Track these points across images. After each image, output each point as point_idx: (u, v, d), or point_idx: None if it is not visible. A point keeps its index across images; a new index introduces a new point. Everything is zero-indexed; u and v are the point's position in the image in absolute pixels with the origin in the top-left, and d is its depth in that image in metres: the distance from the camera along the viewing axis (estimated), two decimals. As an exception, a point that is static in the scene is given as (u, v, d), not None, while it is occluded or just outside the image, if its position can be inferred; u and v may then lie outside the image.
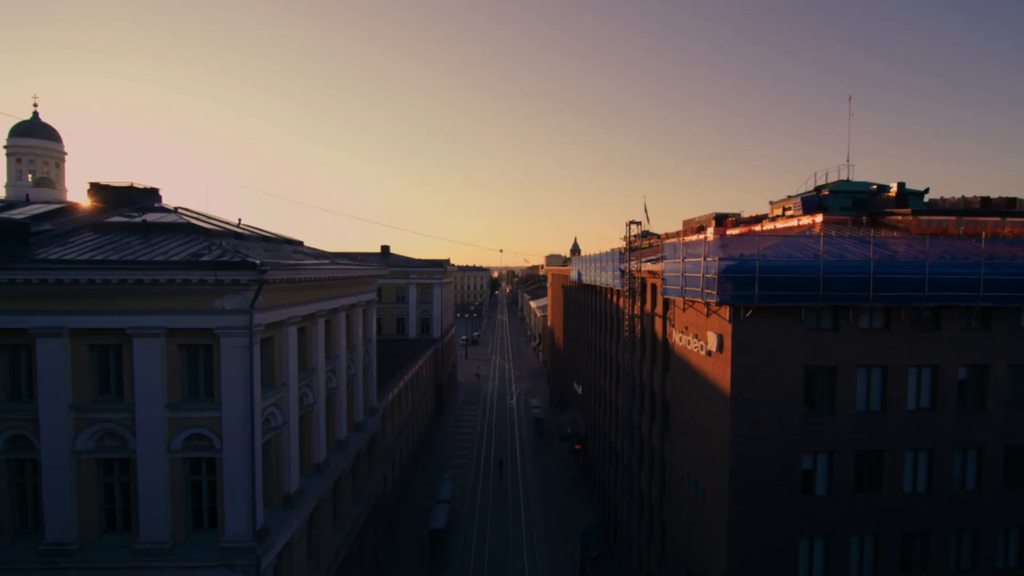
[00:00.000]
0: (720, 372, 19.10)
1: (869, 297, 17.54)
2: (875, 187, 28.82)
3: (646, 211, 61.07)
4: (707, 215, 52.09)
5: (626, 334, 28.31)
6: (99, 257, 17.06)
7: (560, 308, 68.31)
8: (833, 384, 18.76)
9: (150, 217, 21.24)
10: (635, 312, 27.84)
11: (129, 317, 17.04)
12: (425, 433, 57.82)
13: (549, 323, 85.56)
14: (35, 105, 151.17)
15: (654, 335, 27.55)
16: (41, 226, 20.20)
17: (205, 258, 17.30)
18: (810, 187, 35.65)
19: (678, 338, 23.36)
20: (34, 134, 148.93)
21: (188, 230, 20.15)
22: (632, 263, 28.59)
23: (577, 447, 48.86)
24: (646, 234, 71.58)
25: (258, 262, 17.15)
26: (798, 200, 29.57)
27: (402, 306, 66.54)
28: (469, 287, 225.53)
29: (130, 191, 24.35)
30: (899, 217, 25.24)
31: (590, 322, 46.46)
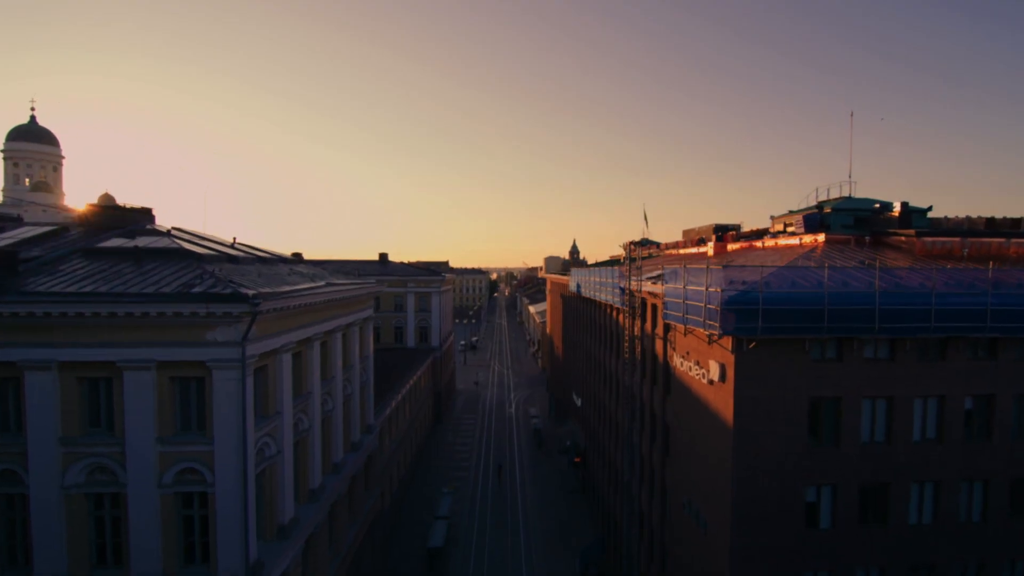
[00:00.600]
0: (722, 402, 18.77)
1: (875, 329, 17.22)
2: (878, 205, 28.53)
3: (645, 218, 60.22)
4: (707, 226, 51.83)
5: (626, 356, 27.98)
6: (88, 288, 16.70)
7: (559, 317, 67.98)
8: (837, 415, 18.44)
9: (142, 241, 20.89)
10: (635, 333, 27.48)
11: (119, 350, 16.68)
12: (423, 444, 57.45)
13: (548, 330, 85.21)
14: (32, 109, 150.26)
15: (654, 356, 27.22)
16: (30, 252, 19.89)
17: (197, 289, 16.94)
18: (812, 202, 35.38)
19: (679, 363, 23.03)
20: (31, 138, 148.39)
21: (180, 256, 19.78)
22: (632, 282, 28.22)
23: (576, 460, 48.50)
24: (646, 242, 71.36)
25: (251, 293, 16.81)
26: (800, 217, 29.26)
27: (400, 315, 66.18)
28: (468, 290, 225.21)
29: (123, 212, 24.02)
30: (903, 238, 24.93)
31: (589, 334, 46.13)
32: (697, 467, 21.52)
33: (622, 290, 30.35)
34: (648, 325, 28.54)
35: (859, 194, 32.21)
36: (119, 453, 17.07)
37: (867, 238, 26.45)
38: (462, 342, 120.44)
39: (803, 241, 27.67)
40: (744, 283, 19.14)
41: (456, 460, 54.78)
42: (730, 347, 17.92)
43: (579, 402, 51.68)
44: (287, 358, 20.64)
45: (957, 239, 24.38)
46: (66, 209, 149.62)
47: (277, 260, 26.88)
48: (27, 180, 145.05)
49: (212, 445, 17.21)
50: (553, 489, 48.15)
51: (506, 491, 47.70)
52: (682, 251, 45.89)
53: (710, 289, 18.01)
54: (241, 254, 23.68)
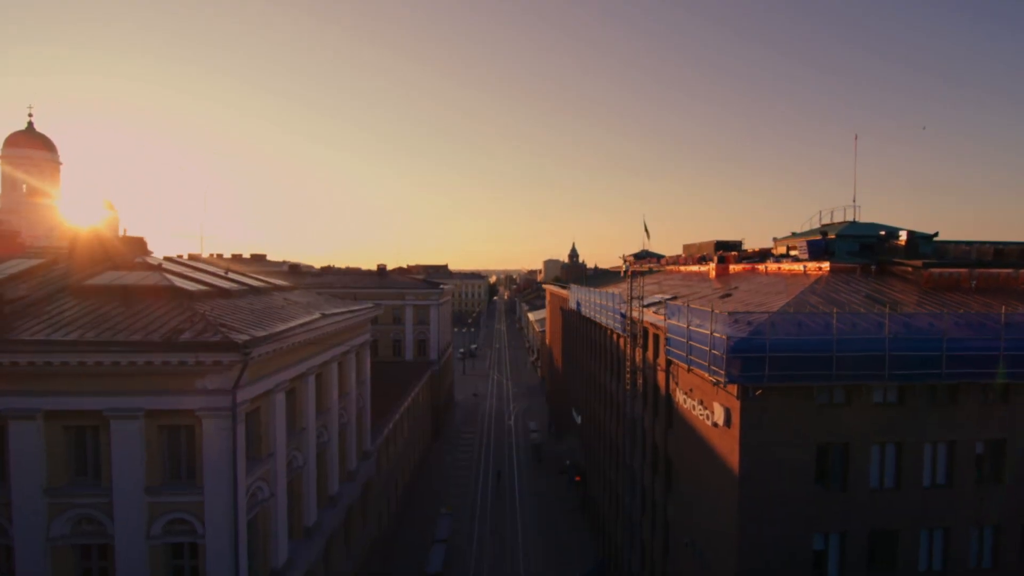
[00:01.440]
0: (727, 447, 18.28)
1: (884, 376, 16.73)
2: (883, 232, 28.09)
3: (646, 229, 59.93)
4: (708, 242, 51.36)
5: (627, 387, 27.48)
6: (74, 335, 16.20)
7: (559, 330, 67.45)
8: (845, 461, 17.95)
9: (133, 278, 20.37)
10: (637, 364, 26.97)
11: (106, 399, 16.19)
12: (422, 460, 56.86)
13: (547, 341, 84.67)
14: (30, 115, 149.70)
15: (656, 386, 26.71)
16: (17, 290, 19.36)
17: (186, 335, 16.44)
18: (815, 224, 34.94)
19: (682, 399, 22.53)
20: (29, 144, 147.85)
21: (171, 294, 19.28)
22: (634, 310, 27.72)
23: (576, 479, 47.94)
24: (646, 254, 70.97)
25: (241, 340, 16.31)
26: (804, 243, 28.79)
27: (398, 327, 65.62)
28: (467, 296, 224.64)
29: (113, 243, 23.50)
30: (909, 268, 24.45)
31: (589, 352, 45.61)
32: (701, 508, 21.01)
33: (623, 316, 29.86)
34: (650, 354, 28.04)
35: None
36: (106, 503, 16.57)
37: (873, 267, 25.99)
38: (461, 350, 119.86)
39: (808, 269, 27.19)
40: (749, 323, 18.68)
41: (455, 477, 54.18)
42: (735, 392, 17.43)
43: (579, 419, 51.13)
44: (281, 397, 20.14)
45: (964, 270, 23.94)
46: (63, 219, 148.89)
47: (271, 289, 26.39)
48: (24, 186, 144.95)
49: (202, 495, 16.72)
50: (553, 508, 47.58)
51: (506, 510, 47.14)
52: (683, 268, 45.40)
53: (715, 334, 17.50)
54: (234, 286, 23.18)
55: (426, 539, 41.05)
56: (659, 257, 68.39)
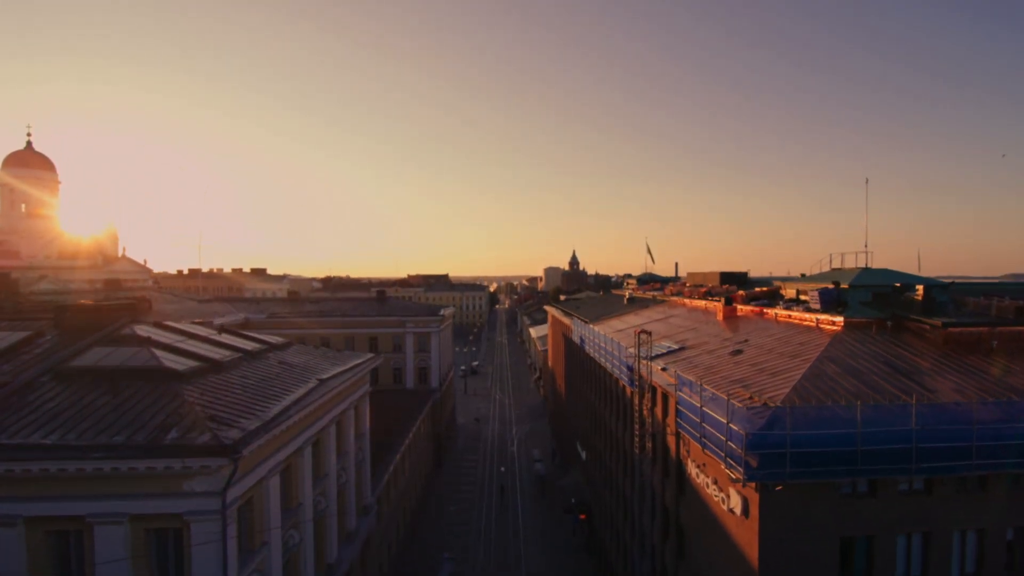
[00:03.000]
0: (745, 538, 17.35)
1: (911, 469, 15.83)
2: (899, 285, 27.21)
3: (649, 252, 58.89)
4: (712, 273, 50.56)
5: (636, 450, 26.53)
6: (54, 437, 15.31)
7: (561, 355, 66.50)
8: (870, 554, 17.03)
9: (119, 356, 19.49)
10: (646, 427, 26.01)
11: (89, 503, 15.32)
12: (423, 495, 55.80)
13: (550, 363, 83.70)
14: (28, 135, 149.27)
15: (666, 445, 25.80)
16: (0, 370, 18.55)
17: (172, 434, 15.57)
18: (825, 267, 34.11)
19: (694, 472, 21.60)
20: (28, 163, 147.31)
21: (159, 377, 18.42)
22: (642, 368, 26.78)
23: (582, 516, 46.93)
24: (650, 277, 70.11)
25: (231, 441, 15.43)
26: (815, 293, 27.95)
27: (399, 355, 64.70)
28: (468, 308, 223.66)
29: (101, 311, 22.67)
30: (927, 326, 23.56)
31: (593, 389, 44.66)
32: (716, 590, 20.07)
33: (629, 368, 28.93)
34: (658, 410, 27.13)
35: (876, 268, 30.94)
36: (90, 612, 15.65)
37: (888, 323, 25.11)
38: (462, 367, 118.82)
39: (820, 322, 26.32)
40: (766, 405, 17.81)
41: (457, 512, 53.16)
42: (754, 485, 16.52)
43: (583, 455, 50.17)
44: (275, 481, 19.25)
45: (985, 328, 23.07)
46: (63, 236, 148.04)
47: (266, 351, 25.52)
48: (23, 206, 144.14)
49: (191, 602, 15.79)
50: (558, 548, 46.53)
51: (510, 549, 46.11)
52: (688, 302, 44.50)
53: (732, 425, 16.59)
54: (226, 355, 22.32)
55: (429, 586, 40.07)
56: (663, 281, 67.64)
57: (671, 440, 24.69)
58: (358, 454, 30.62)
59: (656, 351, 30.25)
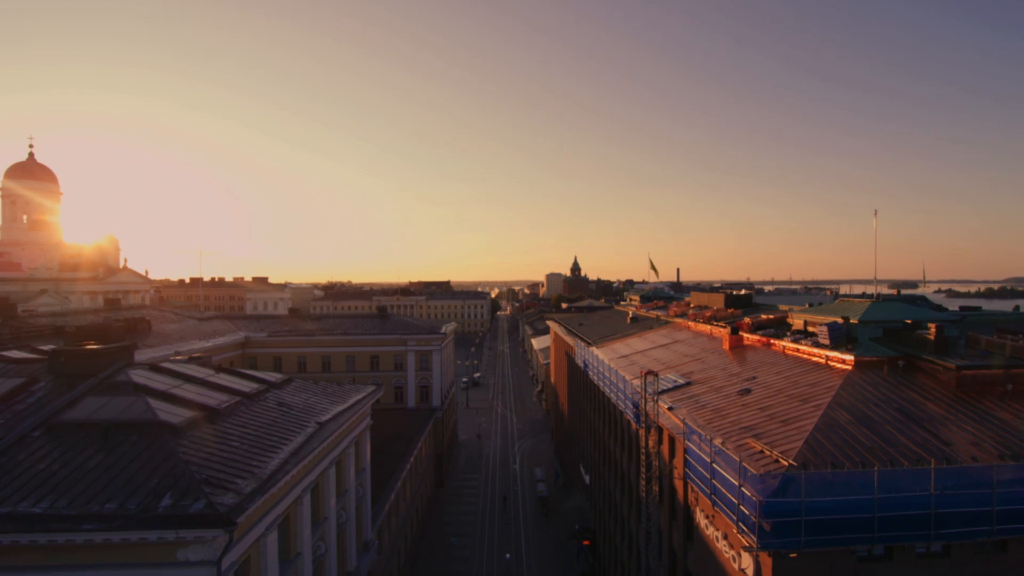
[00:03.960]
0: (757, 602, 16.77)
1: (930, 536, 15.29)
2: (909, 321, 26.68)
3: (653, 267, 58.44)
4: (717, 295, 50.02)
5: (643, 493, 25.96)
6: (43, 505, 14.80)
7: (564, 375, 65.89)
8: (887, 619, 16.45)
9: (113, 407, 18.99)
10: (654, 470, 25.43)
11: (79, 573, 14.80)
12: (424, 517, 55.16)
13: (552, 378, 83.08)
14: (31, 146, 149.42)
15: (673, 488, 25.23)
16: (-10, 426, 18.06)
17: (166, 501, 15.05)
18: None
19: (703, 522, 21.03)
20: (30, 175, 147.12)
21: (154, 431, 17.90)
22: (649, 404, 26.23)
23: (585, 543, 46.28)
24: (653, 295, 69.50)
25: (226, 508, 14.90)
26: (824, 328, 27.44)
27: (400, 374, 64.20)
28: (470, 316, 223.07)
29: (97, 356, 22.19)
30: (940, 368, 23.02)
31: (597, 415, 44.05)
32: (726, 647, 19.47)
33: (635, 405, 28.36)
34: (665, 448, 26.58)
35: (886, 300, 30.39)
36: None
37: (900, 362, 24.59)
38: (464, 379, 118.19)
39: (831, 360, 25.81)
40: (777, 461, 17.29)
41: (459, 537, 52.49)
42: (768, 551, 15.97)
43: (587, 478, 49.56)
44: (273, 537, 18.71)
45: (1000, 371, 22.54)
46: (65, 247, 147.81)
47: (264, 390, 25.02)
48: (25, 217, 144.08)
49: (185, 674, 15.24)
50: (561, 573, 45.89)
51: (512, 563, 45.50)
52: (693, 325, 43.99)
53: (744, 489, 16.05)
54: (223, 399, 21.84)
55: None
56: (667, 299, 67.18)
57: (679, 484, 24.13)
58: (358, 490, 30.08)
59: (662, 385, 29.72)
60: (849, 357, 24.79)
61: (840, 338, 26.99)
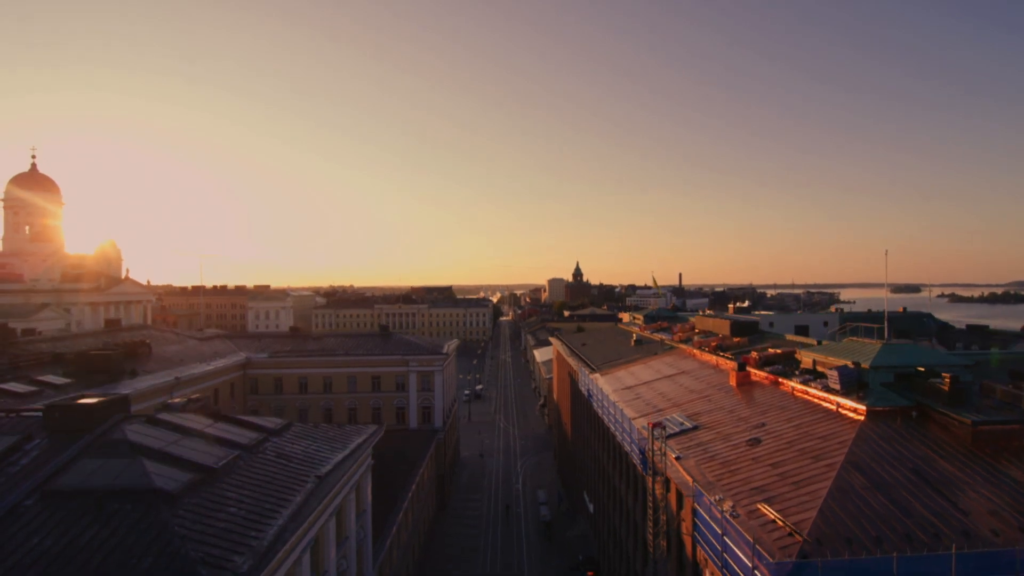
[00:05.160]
0: None
1: (952, 619, 14.73)
2: (922, 368, 26.13)
3: (656, 283, 57.95)
4: (723, 321, 49.46)
5: (650, 548, 25.40)
6: (35, 591, 14.37)
7: (567, 396, 65.37)
8: None
9: (107, 472, 18.57)
10: (661, 525, 24.85)
11: (70, 662, 14.34)
12: (426, 541, 54.61)
13: (555, 395, 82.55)
14: (33, 156, 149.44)
15: (681, 542, 24.68)
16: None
17: (161, 587, 14.60)
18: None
19: (713, 585, 20.48)
20: (32, 186, 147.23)
21: (149, 499, 17.48)
22: (656, 452, 25.66)
23: (589, 574, 45.71)
24: (657, 314, 68.96)
25: (224, 595, 14.44)
26: (835, 373, 26.92)
27: (402, 394, 63.75)
28: (472, 324, 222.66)
29: (92, 411, 21.75)
30: (955, 421, 22.48)
31: (602, 446, 43.50)
32: None
33: (642, 452, 27.82)
34: (672, 497, 26.04)
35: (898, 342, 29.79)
36: None
37: (914, 413, 24.06)
38: (466, 392, 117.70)
39: (842, 408, 25.29)
40: (792, 534, 16.76)
41: (460, 564, 51.94)
42: (782, 632, 15.44)
43: (591, 506, 49.00)
44: (271, 607, 18.23)
45: (1017, 426, 21.99)
46: (67, 258, 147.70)
47: (263, 440, 24.56)
48: (27, 228, 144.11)
49: None
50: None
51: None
52: (699, 354, 43.45)
53: (757, 571, 15.52)
54: (221, 455, 21.39)
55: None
56: (671, 319, 66.71)
57: (687, 539, 23.60)
58: (359, 532, 29.59)
59: (669, 428, 29.21)
60: (861, 407, 24.25)
61: (851, 383, 26.45)
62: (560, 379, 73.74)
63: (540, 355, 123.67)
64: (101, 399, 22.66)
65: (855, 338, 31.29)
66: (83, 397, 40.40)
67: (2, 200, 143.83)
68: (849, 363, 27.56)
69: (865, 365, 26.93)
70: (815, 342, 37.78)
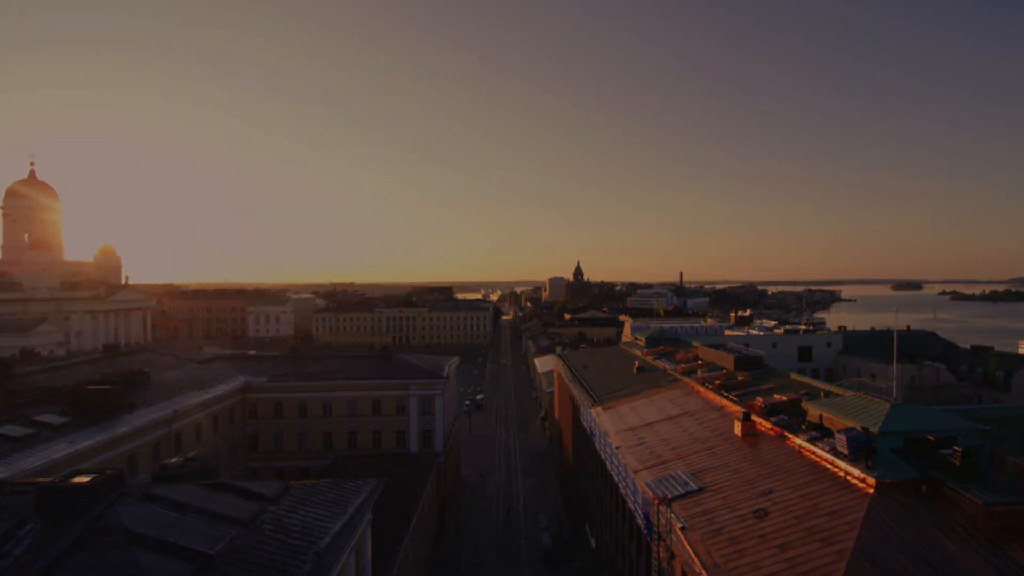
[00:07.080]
0: None
1: None
2: (932, 438, 25.67)
3: (659, 306, 57.65)
4: (728, 356, 49.01)
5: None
6: None
7: (568, 421, 64.96)
8: None
9: (100, 570, 18.16)
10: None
11: None
12: (426, 571, 54.31)
13: (556, 413, 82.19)
14: (31, 164, 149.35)
15: (686, 613, 24.28)
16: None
17: None
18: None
19: (720, 677, 20.10)
20: (31, 194, 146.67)
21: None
22: (662, 529, 25.27)
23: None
24: (660, 337, 68.53)
25: None
26: (843, 437, 26.51)
27: (402, 418, 63.35)
28: (473, 327, 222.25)
29: (87, 492, 21.30)
30: (968, 500, 22.04)
31: (604, 487, 43.08)
32: None
33: (646, 516, 27.41)
34: (677, 566, 25.64)
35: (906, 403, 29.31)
36: None
37: (924, 487, 23.64)
38: (467, 402, 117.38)
39: (850, 477, 24.89)
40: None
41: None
42: None
43: (593, 542, 48.69)
44: None
45: (1031, 506, 21.55)
46: (65, 265, 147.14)
47: (261, 512, 24.10)
48: (26, 235, 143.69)
49: None
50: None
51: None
52: (703, 391, 43.01)
53: None
54: (217, 539, 20.93)
55: None
56: (674, 343, 66.25)
57: (692, 616, 23.19)
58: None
59: (673, 486, 28.87)
60: (871, 479, 23.85)
61: (859, 449, 26.04)
62: (562, 402, 73.34)
63: (541, 364, 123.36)
64: (95, 477, 22.15)
65: (863, 393, 30.83)
66: (80, 438, 39.80)
67: (1, 208, 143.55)
68: (857, 426, 27.16)
69: (874, 429, 26.51)
70: (820, 387, 37.35)
